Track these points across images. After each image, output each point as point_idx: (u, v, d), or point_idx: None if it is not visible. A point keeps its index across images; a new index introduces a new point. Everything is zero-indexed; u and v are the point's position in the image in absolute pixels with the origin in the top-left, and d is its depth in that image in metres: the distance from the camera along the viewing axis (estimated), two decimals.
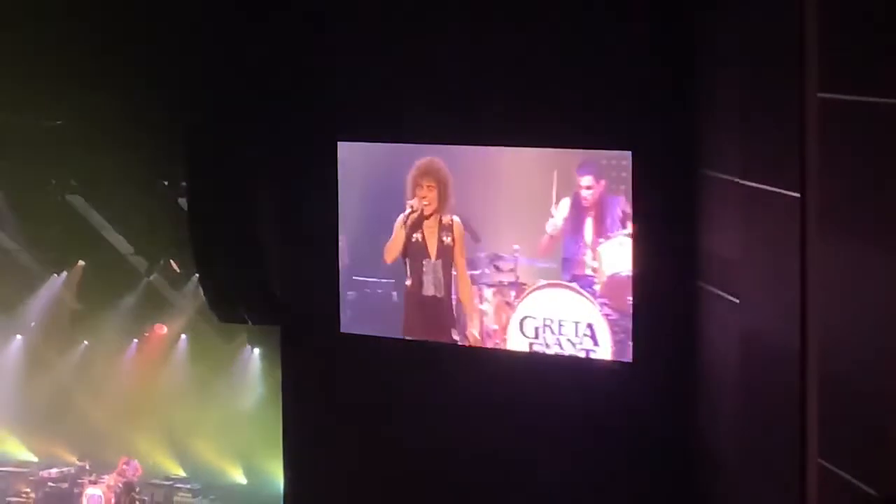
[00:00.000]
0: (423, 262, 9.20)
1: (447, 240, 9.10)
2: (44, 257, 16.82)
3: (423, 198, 9.10)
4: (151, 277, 16.48)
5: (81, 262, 16.78)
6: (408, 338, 9.33)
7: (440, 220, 9.12)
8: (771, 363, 6.50)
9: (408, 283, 9.28)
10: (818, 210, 5.83)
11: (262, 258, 10.00)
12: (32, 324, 17.29)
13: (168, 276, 16.38)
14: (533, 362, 8.90)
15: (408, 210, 9.15)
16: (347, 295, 9.46)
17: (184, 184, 11.07)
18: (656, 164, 8.26)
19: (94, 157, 13.79)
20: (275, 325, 10.24)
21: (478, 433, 9.12)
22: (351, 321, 9.50)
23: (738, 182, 6.88)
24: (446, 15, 8.90)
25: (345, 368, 9.66)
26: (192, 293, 15.88)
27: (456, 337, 9.17)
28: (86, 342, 17.11)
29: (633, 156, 8.31)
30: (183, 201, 12.35)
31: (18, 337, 17.38)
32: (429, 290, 9.20)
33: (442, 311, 9.18)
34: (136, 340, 16.99)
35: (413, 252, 9.23)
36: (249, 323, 10.74)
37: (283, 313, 9.99)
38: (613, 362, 8.56)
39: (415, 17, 9.00)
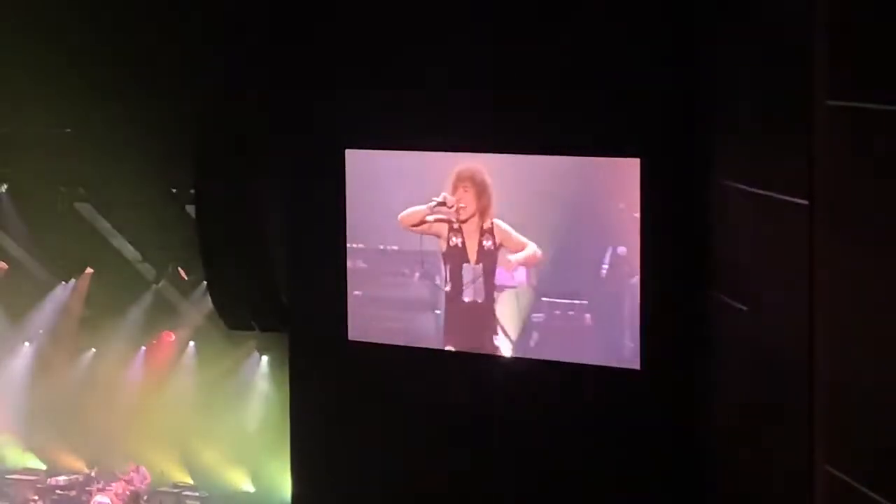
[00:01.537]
0: (463, 267, 9.13)
1: (488, 244, 9.01)
2: (52, 265, 16.85)
3: (459, 200, 8.98)
4: (159, 285, 16.50)
5: (89, 270, 16.80)
6: (420, 345, 9.31)
7: (481, 226, 9.01)
8: (779, 370, 6.49)
9: (447, 288, 9.18)
10: (827, 218, 5.83)
11: (270, 265, 10.01)
12: (41, 331, 17.32)
13: (176, 283, 16.40)
14: (542, 369, 8.89)
15: (440, 197, 9.04)
16: (534, 318, 9.00)
17: (192, 191, 11.08)
18: (665, 171, 8.26)
19: (102, 165, 13.80)
20: (283, 332, 10.24)
21: (484, 440, 9.12)
22: (539, 346, 9.00)
23: (746, 189, 6.88)
24: (455, 22, 8.90)
25: (353, 375, 9.65)
26: (200, 300, 15.90)
27: (498, 344, 9.05)
28: (94, 349, 17.13)
29: (642, 163, 8.31)
30: (191, 208, 12.38)
31: (27, 344, 17.40)
32: (468, 295, 9.11)
33: (482, 317, 9.07)
34: (144, 348, 17.00)
35: (453, 256, 9.12)
36: (257, 330, 10.75)
37: (291, 320, 10.00)
38: (622, 370, 8.55)
39: (423, 25, 9.00)
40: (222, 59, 9.78)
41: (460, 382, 9.21)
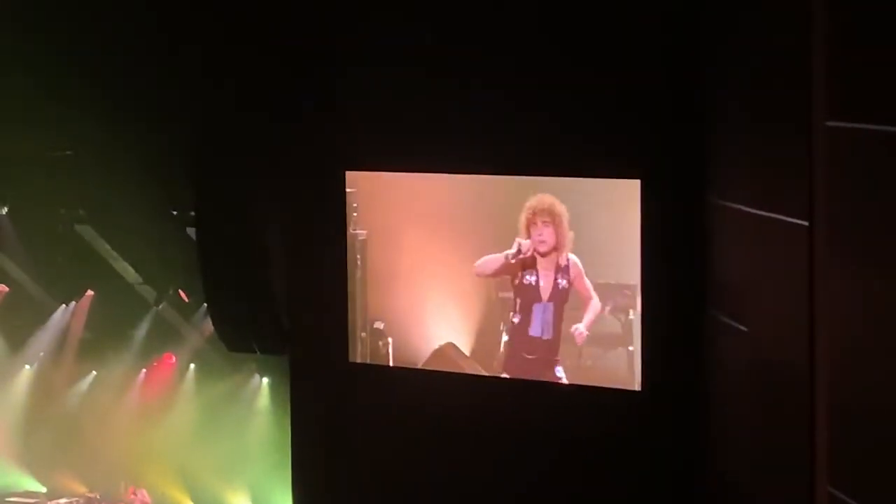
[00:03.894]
0: (535, 305, 8.89)
1: (563, 282, 8.76)
2: (52, 287, 16.85)
3: (539, 234, 8.77)
4: (160, 307, 16.50)
5: (90, 292, 16.80)
6: (423, 367, 9.29)
7: (557, 262, 8.79)
8: (780, 391, 6.48)
9: (515, 320, 8.97)
10: (826, 238, 5.83)
11: (270, 287, 10.01)
12: (41, 354, 17.31)
13: (177, 305, 16.39)
14: (540, 391, 8.88)
15: (514, 248, 8.82)
16: None
17: (192, 213, 11.09)
18: (665, 192, 8.26)
19: (102, 187, 13.83)
20: (283, 354, 10.23)
21: (485, 462, 9.10)
22: None
23: (746, 210, 6.88)
24: (454, 45, 8.91)
25: (354, 398, 9.64)
26: (201, 322, 15.90)
27: (560, 375, 8.86)
28: (94, 372, 17.12)
29: (642, 184, 8.31)
30: (192, 231, 12.38)
31: (27, 367, 17.39)
32: (535, 331, 8.91)
33: (546, 351, 8.86)
34: (144, 370, 16.99)
35: (525, 293, 8.90)
36: (258, 352, 10.74)
37: (292, 343, 9.99)
38: (622, 391, 8.54)
39: (422, 46, 9.01)
40: (222, 80, 9.79)
41: (461, 404, 9.19)
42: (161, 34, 11.00)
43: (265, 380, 16.25)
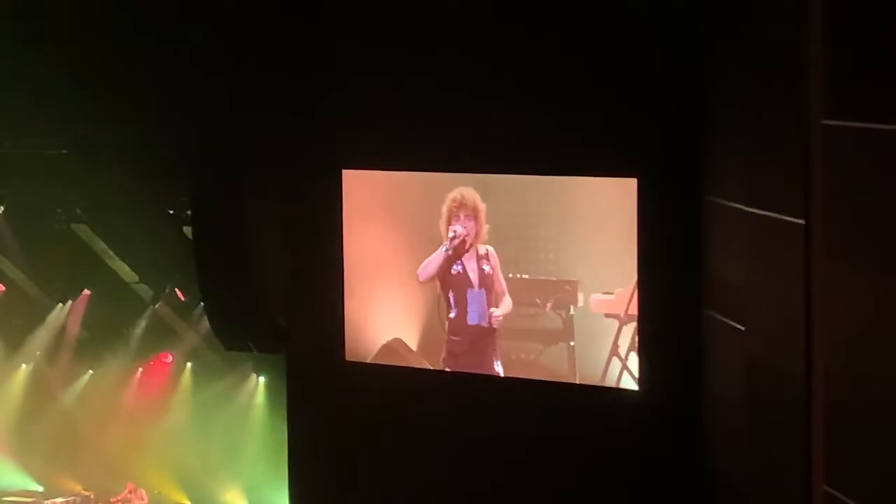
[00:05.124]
0: (468, 293, 9.08)
1: (487, 268, 8.97)
2: (49, 286, 16.85)
3: (464, 227, 8.95)
4: (157, 306, 16.50)
5: (87, 291, 16.81)
6: (416, 366, 9.30)
7: (476, 251, 8.99)
8: (776, 390, 6.48)
9: (452, 315, 9.14)
10: (823, 237, 5.83)
11: (267, 286, 10.00)
12: (38, 352, 17.32)
13: (173, 304, 16.40)
14: (538, 390, 8.88)
15: (451, 235, 9.00)
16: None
17: (189, 212, 11.08)
18: (661, 190, 8.26)
19: (99, 186, 13.85)
20: (280, 353, 10.23)
21: (480, 462, 9.09)
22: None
23: (743, 209, 6.88)
24: (449, 42, 8.92)
25: (350, 397, 9.64)
26: (198, 321, 15.91)
27: (498, 369, 8.99)
28: (91, 371, 17.12)
29: (639, 182, 8.31)
30: (188, 230, 12.38)
31: (24, 366, 17.39)
32: (473, 319, 9.07)
33: (485, 340, 9.04)
34: (141, 369, 17.00)
35: (456, 284, 9.08)
36: (254, 351, 10.73)
37: (288, 341, 9.98)
38: (620, 390, 8.54)
39: (420, 47, 9.01)
40: (220, 80, 9.78)
41: (458, 403, 9.19)
42: (159, 33, 11.01)
43: (262, 378, 16.27)
